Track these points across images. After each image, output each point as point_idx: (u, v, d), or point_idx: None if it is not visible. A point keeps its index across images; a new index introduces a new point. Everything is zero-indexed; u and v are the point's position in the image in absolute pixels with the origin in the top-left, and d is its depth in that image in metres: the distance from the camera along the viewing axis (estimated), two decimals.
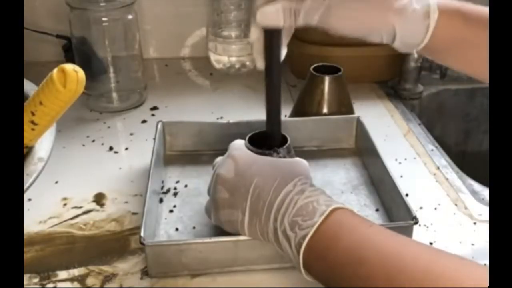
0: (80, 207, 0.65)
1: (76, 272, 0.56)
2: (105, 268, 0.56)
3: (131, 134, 0.82)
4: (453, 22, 0.51)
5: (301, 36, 0.91)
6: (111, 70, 0.88)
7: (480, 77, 0.54)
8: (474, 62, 0.53)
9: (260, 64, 0.54)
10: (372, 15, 0.51)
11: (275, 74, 0.54)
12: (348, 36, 0.52)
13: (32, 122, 0.50)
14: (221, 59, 1.01)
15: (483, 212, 0.65)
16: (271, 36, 0.51)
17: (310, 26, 0.51)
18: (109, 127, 0.84)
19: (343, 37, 0.52)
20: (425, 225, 0.63)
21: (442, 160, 0.76)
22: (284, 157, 0.56)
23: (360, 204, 0.65)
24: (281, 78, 0.55)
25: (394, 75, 0.99)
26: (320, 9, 0.50)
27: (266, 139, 0.57)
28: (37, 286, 0.54)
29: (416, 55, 0.93)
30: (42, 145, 0.55)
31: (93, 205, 0.66)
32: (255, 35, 0.52)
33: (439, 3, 0.51)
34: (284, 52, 0.53)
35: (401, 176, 0.71)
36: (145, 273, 0.55)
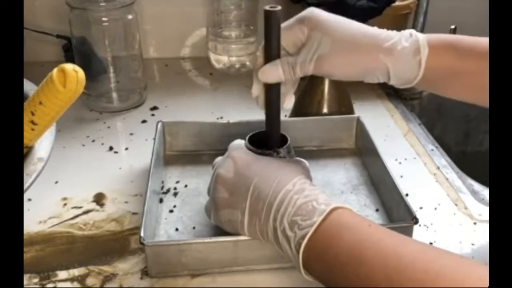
0: (80, 207, 0.65)
1: (76, 272, 0.56)
2: (105, 268, 0.56)
3: (131, 134, 0.82)
4: (445, 55, 0.52)
5: None
6: (111, 70, 0.88)
7: (479, 103, 0.55)
8: (470, 90, 0.54)
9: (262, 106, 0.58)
10: (363, 59, 0.52)
11: (276, 120, 0.57)
12: (345, 80, 0.55)
13: (32, 122, 0.50)
14: (221, 59, 1.01)
15: (483, 212, 0.65)
16: (272, 88, 0.55)
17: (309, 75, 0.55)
18: (109, 127, 0.84)
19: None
20: (425, 225, 0.63)
21: (442, 160, 0.76)
22: (284, 157, 0.57)
23: (360, 204, 0.66)
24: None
25: None
26: (313, 60, 0.53)
27: (266, 139, 0.58)
28: (37, 286, 0.54)
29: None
30: (42, 145, 0.55)
31: (93, 205, 0.66)
32: (257, 91, 0.57)
33: (430, 38, 0.52)
34: (292, 100, 0.58)
35: (401, 176, 0.71)
36: (145, 273, 0.55)
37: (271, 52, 0.54)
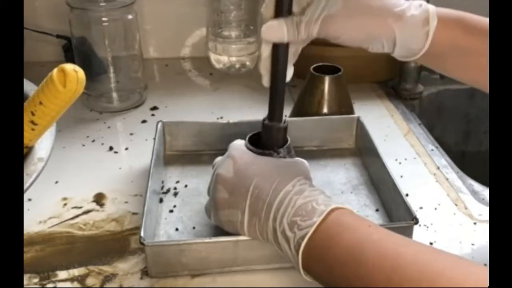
0: (80, 207, 0.65)
1: (76, 272, 0.56)
2: (105, 268, 0.56)
3: (131, 134, 0.82)
4: (453, 30, 0.51)
5: None
6: (111, 70, 0.88)
7: (479, 85, 0.54)
8: (473, 70, 0.53)
9: (266, 81, 0.55)
10: (372, 23, 0.51)
11: (280, 90, 0.54)
12: (349, 45, 0.53)
13: (32, 122, 0.50)
14: (221, 59, 1.01)
15: (483, 212, 0.65)
16: (278, 51, 0.52)
17: (313, 38, 0.52)
18: (109, 127, 0.84)
19: (345, 46, 0.53)
20: (425, 225, 0.63)
21: (442, 160, 0.76)
22: (284, 157, 0.56)
23: (360, 204, 0.66)
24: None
25: (394, 75, 0.99)
26: (319, 20, 0.51)
27: (268, 112, 0.56)
28: (37, 286, 0.54)
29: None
30: (42, 145, 0.55)
31: (93, 205, 0.66)
32: (266, 53, 0.53)
33: (439, 11, 0.51)
34: (291, 70, 0.54)
35: (401, 176, 0.71)
36: (145, 273, 0.55)
37: (283, 5, 0.50)
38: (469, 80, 0.55)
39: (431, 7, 0.51)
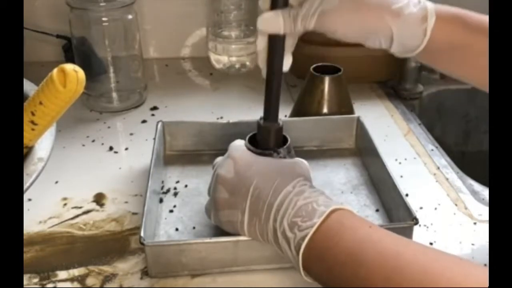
0: (80, 207, 0.65)
1: (76, 272, 0.56)
2: (105, 268, 0.56)
3: (131, 134, 0.82)
4: (452, 27, 0.51)
5: (301, 36, 0.91)
6: (111, 70, 0.88)
7: (477, 83, 0.54)
8: (471, 68, 0.53)
9: (265, 73, 0.54)
10: (369, 18, 0.51)
11: (275, 83, 0.54)
12: (346, 40, 0.52)
13: (32, 122, 0.50)
14: (221, 59, 1.01)
15: (483, 212, 0.65)
16: (274, 44, 0.52)
17: (309, 31, 0.52)
18: (109, 127, 0.84)
19: (341, 41, 0.53)
20: (425, 225, 0.63)
21: (442, 160, 0.76)
22: (284, 157, 0.56)
23: (360, 204, 0.66)
24: (281, 86, 0.54)
25: (394, 75, 0.99)
26: (316, 14, 0.50)
27: (264, 111, 0.56)
28: (37, 286, 0.54)
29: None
30: (42, 145, 0.55)
31: (93, 205, 0.66)
32: (262, 45, 0.53)
33: (438, 8, 0.51)
34: (289, 61, 0.54)
35: (401, 176, 0.71)
36: (145, 273, 0.55)
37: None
38: (466, 77, 0.55)
39: (429, 4, 0.51)
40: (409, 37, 0.51)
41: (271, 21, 0.51)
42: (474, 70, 0.53)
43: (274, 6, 0.51)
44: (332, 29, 0.52)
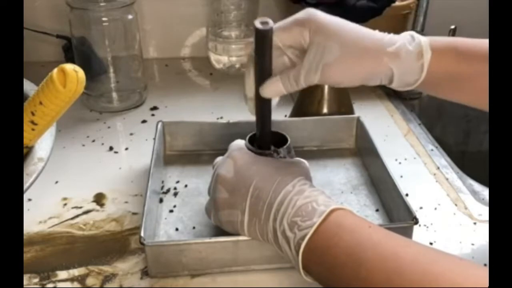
0: (80, 207, 0.65)
1: (76, 272, 0.56)
2: (105, 268, 0.56)
3: (131, 134, 0.82)
4: (447, 59, 0.52)
5: None
6: (111, 70, 0.88)
7: (477, 106, 0.55)
8: (468, 94, 0.54)
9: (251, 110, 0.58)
10: (369, 64, 0.51)
11: (266, 116, 0.55)
12: (349, 86, 0.54)
13: (32, 122, 0.51)
14: (221, 59, 1.01)
15: (483, 212, 0.65)
16: (263, 105, 0.54)
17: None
18: (109, 127, 0.84)
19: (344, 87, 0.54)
20: (425, 225, 0.63)
21: (442, 160, 0.76)
22: (284, 157, 0.56)
23: (360, 204, 0.66)
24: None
25: None
26: (319, 69, 0.51)
27: (258, 141, 0.57)
28: (37, 286, 0.54)
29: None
30: (42, 145, 0.55)
31: (93, 205, 0.66)
32: (251, 93, 0.56)
33: (432, 42, 0.52)
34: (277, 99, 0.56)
35: (401, 176, 0.71)
36: (145, 273, 0.55)
37: (264, 71, 0.51)
38: (465, 102, 0.56)
39: (423, 39, 0.52)
40: (408, 74, 0.52)
41: (272, 89, 0.53)
42: (471, 95, 0.54)
43: (260, 79, 0.52)
44: (338, 81, 0.52)
